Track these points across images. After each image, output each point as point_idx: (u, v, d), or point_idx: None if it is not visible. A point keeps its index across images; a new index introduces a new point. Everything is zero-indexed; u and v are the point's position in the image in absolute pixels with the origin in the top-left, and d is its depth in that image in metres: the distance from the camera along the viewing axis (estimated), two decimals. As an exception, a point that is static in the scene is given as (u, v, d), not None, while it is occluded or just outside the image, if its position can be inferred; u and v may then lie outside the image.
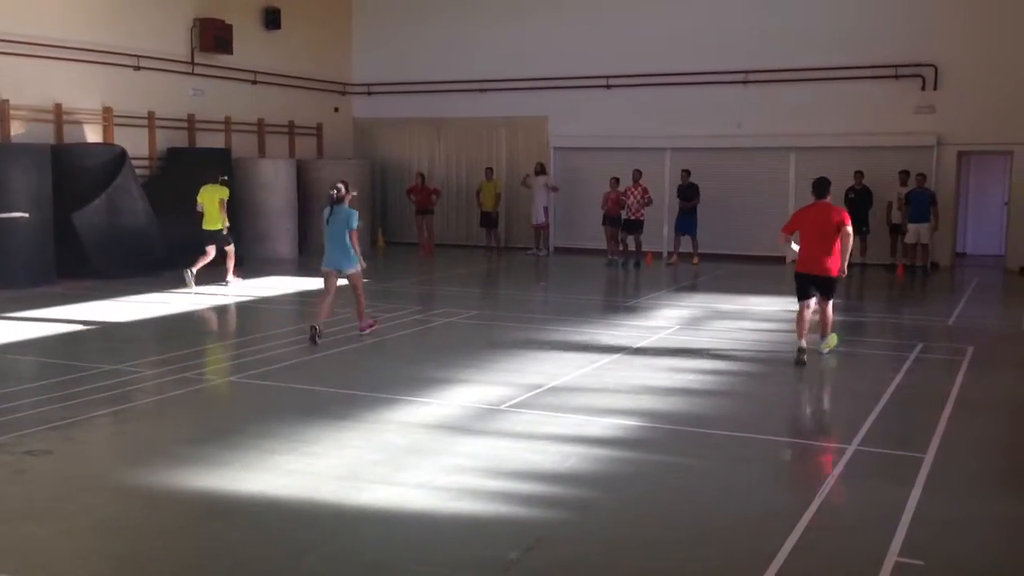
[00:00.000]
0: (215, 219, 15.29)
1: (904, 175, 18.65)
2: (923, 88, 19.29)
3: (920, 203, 17.98)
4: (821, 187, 10.21)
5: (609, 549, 5.24)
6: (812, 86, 19.99)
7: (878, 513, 5.71)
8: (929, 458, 6.77)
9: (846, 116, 19.71)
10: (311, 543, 5.24)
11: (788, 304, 14.38)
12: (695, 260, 19.59)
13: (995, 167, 20.88)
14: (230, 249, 15.60)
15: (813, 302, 10.18)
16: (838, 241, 9.94)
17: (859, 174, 18.80)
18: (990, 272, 19.09)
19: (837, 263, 10.01)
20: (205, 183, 15.50)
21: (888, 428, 7.67)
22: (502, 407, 8.18)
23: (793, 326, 10.57)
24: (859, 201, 18.49)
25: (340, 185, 11.18)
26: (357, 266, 11.06)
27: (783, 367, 10.00)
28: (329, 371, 9.80)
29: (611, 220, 19.76)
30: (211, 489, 6.11)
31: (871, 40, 19.40)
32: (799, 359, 9.89)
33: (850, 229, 9.99)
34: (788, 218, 10.99)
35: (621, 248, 19.76)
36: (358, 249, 11.11)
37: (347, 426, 7.54)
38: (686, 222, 19.78)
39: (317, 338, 10.76)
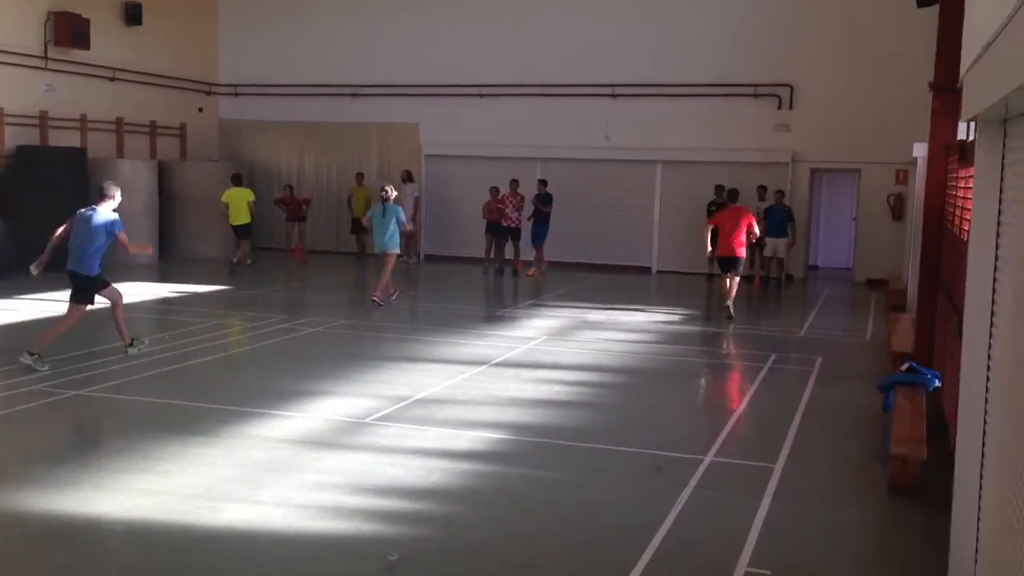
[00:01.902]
0: (244, 214, 18.74)
1: (762, 190, 19.42)
2: (780, 107, 20.15)
3: (777, 219, 18.74)
4: (733, 195, 15.68)
5: (471, 567, 5.26)
6: (677, 102, 20.61)
7: (731, 524, 5.92)
8: (779, 468, 7.07)
9: (709, 131, 20.40)
10: (163, 567, 5.06)
11: (652, 315, 14.81)
12: (531, 272, 19.60)
13: (845, 184, 21.99)
14: (250, 239, 19.28)
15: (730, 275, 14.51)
16: (743, 233, 14.33)
17: (720, 188, 19.44)
18: (840, 284, 20.08)
19: (743, 248, 14.53)
20: (230, 187, 19.17)
21: (742, 439, 7.97)
22: (367, 420, 8.10)
23: (639, 338, 10.87)
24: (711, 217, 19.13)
25: (388, 188, 14.93)
26: (397, 248, 14.89)
27: (645, 378, 10.27)
28: (188, 383, 9.50)
29: (492, 228, 19.83)
30: (57, 512, 5.82)
31: (733, 60, 20.15)
32: (728, 315, 14.33)
33: (756, 227, 14.78)
34: (706, 217, 15.93)
35: (495, 256, 19.86)
36: (407, 224, 15.21)
37: (205, 442, 7.32)
38: (540, 231, 19.90)
39: (393, 298, 14.65)
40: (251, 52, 23.71)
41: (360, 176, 22.05)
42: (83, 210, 10.37)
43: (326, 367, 10.26)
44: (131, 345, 10.51)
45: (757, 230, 14.89)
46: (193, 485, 6.34)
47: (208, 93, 23.82)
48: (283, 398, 8.76)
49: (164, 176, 20.96)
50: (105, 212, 10.26)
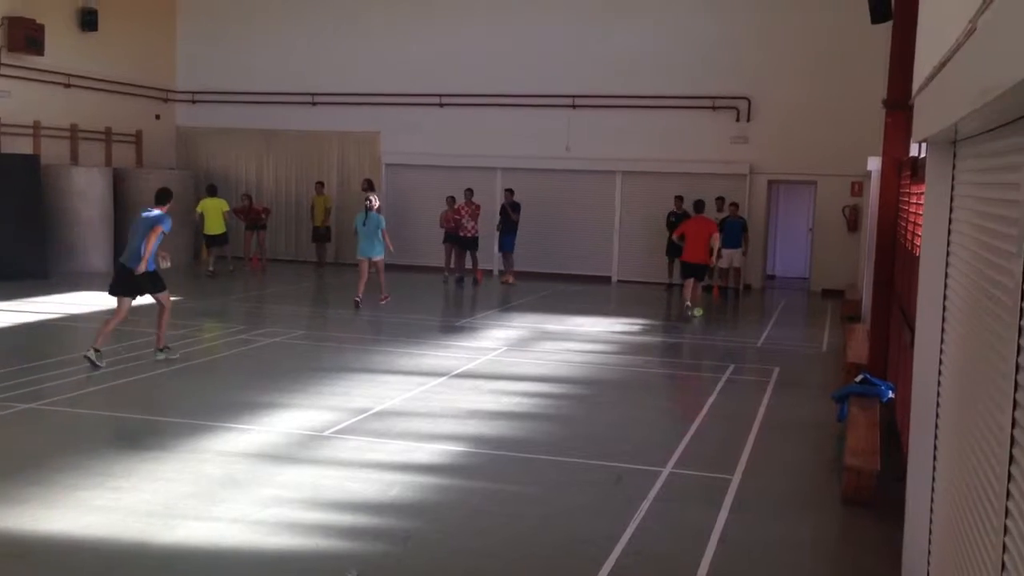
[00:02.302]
0: (219, 224, 19.36)
1: (720, 201, 19.61)
2: (737, 120, 20.38)
3: (733, 230, 18.93)
4: (699, 206, 16.55)
5: (429, 583, 5.24)
6: (637, 113, 20.77)
7: (688, 536, 5.96)
8: (736, 479, 7.13)
9: (668, 143, 20.58)
10: (116, 587, 4.98)
11: (612, 325, 14.88)
12: (508, 278, 19.84)
13: (802, 195, 22.28)
14: (228, 245, 19.89)
15: (692, 280, 15.84)
16: (711, 240, 15.62)
17: (679, 199, 19.64)
18: (796, 294, 20.33)
19: (707, 255, 15.74)
20: (205, 198, 19.77)
21: (700, 450, 8.02)
22: (326, 433, 8.04)
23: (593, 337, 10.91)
24: (679, 225, 19.26)
25: (372, 198, 15.83)
26: (383, 254, 15.64)
27: (605, 390, 10.31)
28: (143, 396, 9.37)
29: (450, 238, 19.83)
30: (5, 530, 5.71)
31: (692, 72, 20.35)
32: (690, 316, 15.58)
33: (717, 235, 15.85)
34: (676, 228, 16.62)
35: (455, 266, 19.86)
36: (389, 242, 15.80)
37: (159, 457, 7.22)
38: (506, 240, 20.06)
39: (359, 305, 15.21)
40: (209, 59, 23.50)
41: (320, 185, 21.93)
42: (144, 210, 11.16)
43: (284, 379, 10.17)
44: (162, 350, 10.93)
45: (717, 242, 15.92)
46: (147, 501, 6.25)
47: (165, 100, 23.56)
48: (240, 411, 8.67)
49: (120, 184, 20.68)
50: (158, 212, 10.93)
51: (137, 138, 22.57)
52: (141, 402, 9.04)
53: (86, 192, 19.59)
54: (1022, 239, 2.58)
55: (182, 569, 5.28)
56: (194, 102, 23.79)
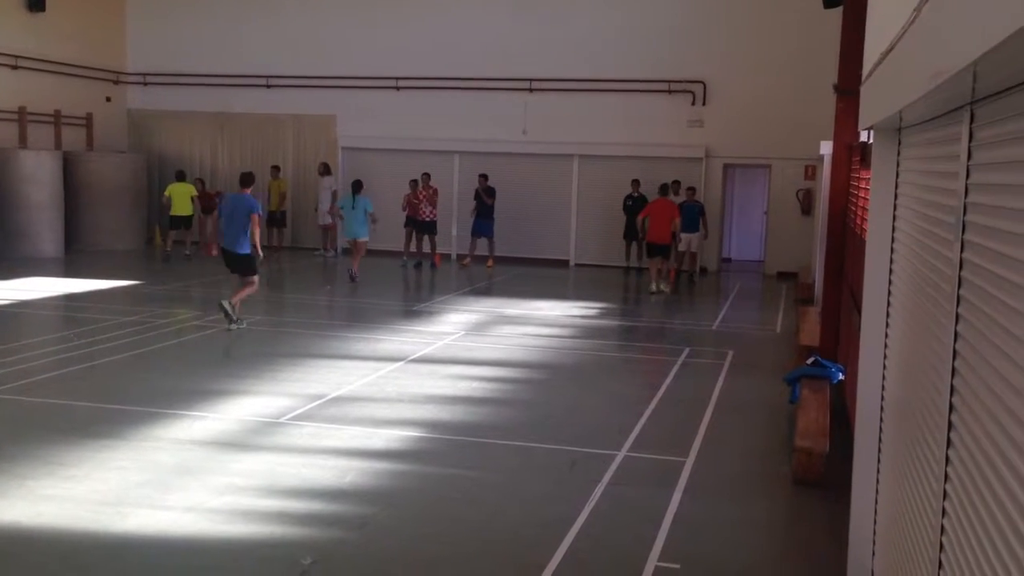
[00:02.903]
0: (187, 207, 19.65)
1: (676, 185, 19.73)
2: (693, 103, 20.50)
3: (690, 214, 19.06)
4: (663, 189, 17.87)
5: (383, 569, 5.25)
6: (593, 97, 20.80)
7: (642, 519, 6.03)
8: (690, 462, 7.22)
9: (625, 127, 20.65)
10: (67, 578, 4.94)
11: (569, 308, 14.95)
12: (490, 263, 19.88)
13: (757, 179, 22.50)
14: (191, 229, 20.19)
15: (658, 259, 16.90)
16: (672, 223, 16.79)
17: (636, 182, 19.74)
18: (752, 277, 20.56)
19: (671, 236, 16.87)
20: (173, 183, 20.02)
21: (655, 433, 8.10)
22: (281, 420, 8.00)
23: (563, 331, 10.98)
24: (636, 209, 19.39)
25: (359, 181, 17.28)
26: (368, 236, 16.87)
27: (562, 374, 10.37)
28: (95, 384, 9.25)
29: (411, 222, 19.76)
30: (-47, 522, 5.63)
31: (648, 56, 20.41)
32: (656, 293, 16.61)
33: (678, 219, 17.05)
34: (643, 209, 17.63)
35: (415, 250, 19.81)
36: (372, 225, 16.90)
37: (112, 445, 7.14)
38: (485, 224, 20.00)
39: (355, 279, 16.47)
40: (160, 40, 23.11)
41: (275, 169, 21.71)
42: (229, 195, 12.71)
43: (239, 365, 10.10)
44: (235, 322, 11.80)
45: (678, 226, 17.14)
46: (99, 491, 6.19)
47: (116, 82, 23.16)
48: (194, 398, 8.60)
49: (70, 167, 20.33)
50: (249, 196, 12.10)
51: (88, 121, 22.17)
52: (94, 390, 8.93)
53: (35, 176, 19.23)
54: (958, 226, 2.64)
55: (135, 559, 5.24)
56: (146, 84, 23.41)
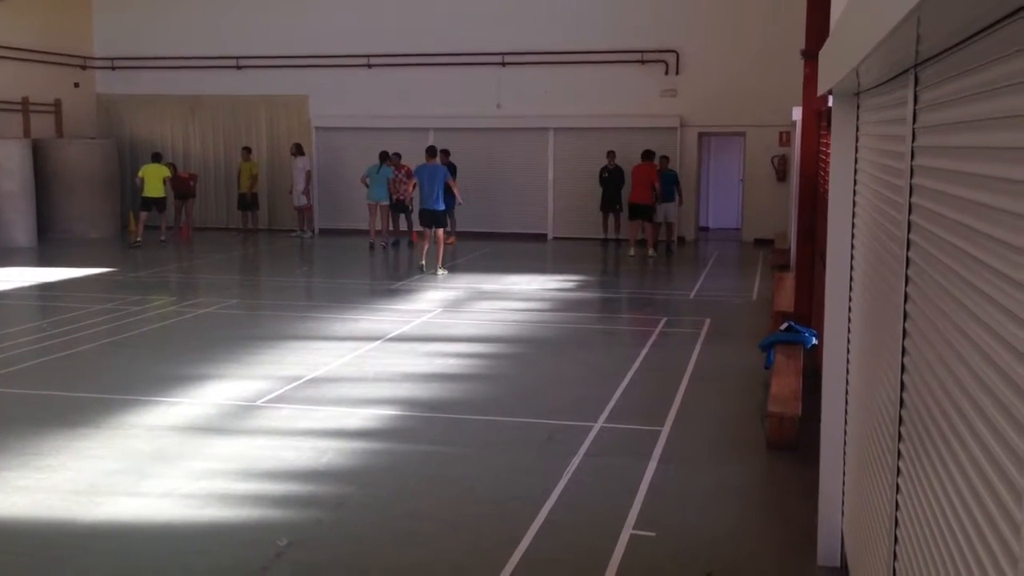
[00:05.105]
0: (159, 188, 19.52)
1: (650, 154, 19.68)
2: (666, 73, 20.46)
3: (665, 184, 19.07)
4: (646, 155, 18.30)
5: (360, 548, 5.28)
6: (566, 69, 20.72)
7: (618, 488, 6.08)
8: (666, 431, 7.27)
9: (599, 98, 20.59)
10: (44, 566, 4.93)
11: (547, 282, 14.97)
12: (451, 239, 19.80)
13: (732, 147, 22.51)
14: (165, 214, 20.11)
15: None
16: (653, 187, 17.84)
17: (611, 154, 19.69)
18: (729, 244, 20.62)
19: (651, 197, 17.82)
20: (147, 163, 20.02)
21: (631, 404, 8.14)
22: (258, 403, 8.00)
23: (545, 306, 11.01)
24: (612, 180, 19.40)
25: (386, 151, 19.20)
26: (388, 200, 18.89)
27: (539, 348, 10.39)
28: (70, 372, 9.20)
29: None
30: (-73, 516, 5.61)
31: (619, 26, 20.33)
32: (634, 256, 17.61)
33: (658, 185, 17.99)
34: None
35: (393, 229, 19.73)
36: (397, 194, 18.99)
37: (86, 434, 7.12)
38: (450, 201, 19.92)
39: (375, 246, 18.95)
40: (128, 23, 22.81)
41: (247, 151, 21.53)
42: (422, 166, 15.74)
43: (215, 349, 10.07)
44: (439, 269, 15.32)
45: (658, 188, 18.01)
46: (74, 480, 6.18)
47: (83, 67, 22.88)
48: (169, 384, 8.57)
49: (39, 155, 20.11)
50: (438, 166, 15.76)
51: (56, 107, 21.91)
52: (69, 379, 8.89)
53: (5, 165, 19.02)
54: (906, 189, 2.66)
55: (111, 546, 5.24)
56: (114, 68, 23.13)
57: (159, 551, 5.21)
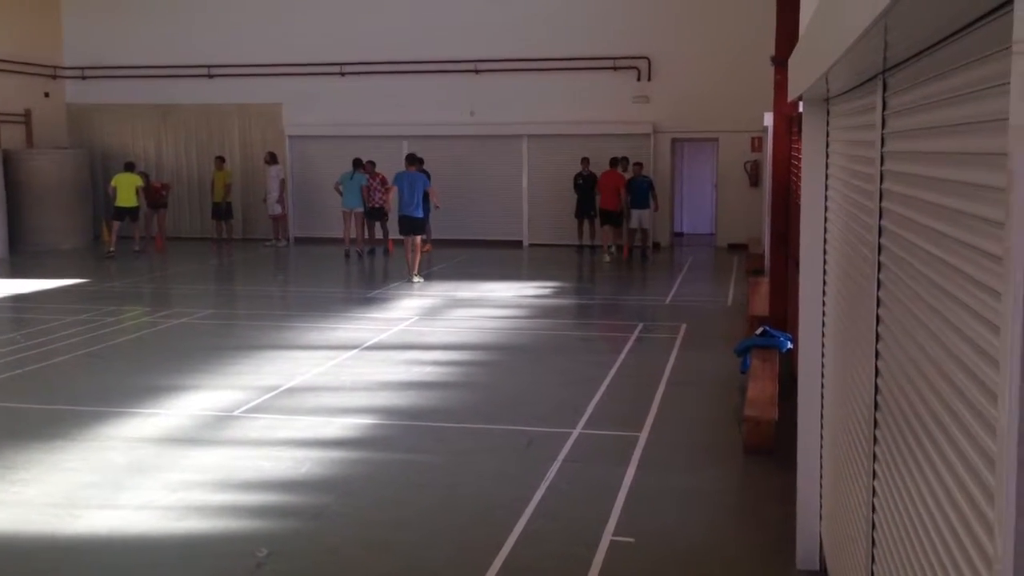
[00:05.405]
0: (131, 198, 19.46)
1: (624, 161, 19.80)
2: (639, 79, 20.57)
3: (640, 190, 19.16)
4: (612, 162, 18.93)
5: (339, 558, 5.26)
6: (539, 76, 20.78)
7: (597, 495, 6.10)
8: (644, 437, 7.30)
9: (572, 105, 20.66)
10: (18, 583, 4.88)
11: (523, 289, 15.00)
12: (427, 246, 19.79)
13: (705, 153, 22.66)
14: (138, 223, 19.94)
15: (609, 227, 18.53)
16: (620, 193, 18.39)
17: (585, 160, 19.77)
18: (703, 249, 20.75)
19: (619, 205, 18.38)
20: (120, 172, 19.90)
21: (609, 410, 8.17)
22: (235, 413, 7.96)
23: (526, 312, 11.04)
24: (586, 187, 19.47)
25: (360, 158, 19.30)
26: (362, 207, 18.86)
27: (516, 355, 10.41)
28: (44, 385, 9.11)
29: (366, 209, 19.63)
30: (-101, 533, 5.53)
31: (591, 33, 20.42)
32: (609, 262, 17.94)
33: (624, 191, 18.40)
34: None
35: (368, 237, 19.70)
36: (371, 201, 18.97)
37: (61, 446, 7.06)
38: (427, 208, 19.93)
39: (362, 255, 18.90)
40: (98, 32, 22.64)
41: (220, 160, 21.43)
42: (402, 173, 15.86)
43: (191, 360, 10.01)
44: (415, 276, 15.17)
45: (623, 193, 18.42)
46: (50, 493, 6.12)
47: (53, 77, 22.68)
48: (145, 395, 8.51)
49: (10, 166, 19.93)
50: (418, 174, 15.92)
51: (26, 117, 21.69)
52: (44, 391, 8.80)
53: (-26, 176, 18.81)
54: (875, 194, 2.70)
55: (88, 559, 5.20)
56: (84, 78, 22.95)
57: (137, 564, 5.17)
